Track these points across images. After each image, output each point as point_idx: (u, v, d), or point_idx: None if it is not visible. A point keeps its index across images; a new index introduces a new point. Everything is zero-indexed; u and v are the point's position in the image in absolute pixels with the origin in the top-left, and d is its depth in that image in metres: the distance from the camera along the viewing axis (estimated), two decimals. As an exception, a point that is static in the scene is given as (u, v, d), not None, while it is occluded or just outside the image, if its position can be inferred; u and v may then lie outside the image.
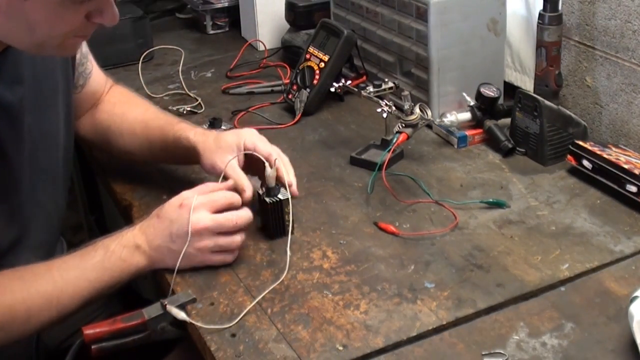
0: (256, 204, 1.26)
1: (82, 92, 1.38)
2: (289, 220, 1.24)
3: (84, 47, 1.36)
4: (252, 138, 1.27)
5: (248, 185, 1.23)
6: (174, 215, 1.16)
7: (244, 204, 1.20)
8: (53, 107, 1.23)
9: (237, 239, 1.18)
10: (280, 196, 1.23)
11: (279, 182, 1.24)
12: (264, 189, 1.24)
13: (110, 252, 1.14)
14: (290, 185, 1.24)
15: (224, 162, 1.24)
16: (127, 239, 1.16)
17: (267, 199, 1.23)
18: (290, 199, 1.23)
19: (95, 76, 1.41)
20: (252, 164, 1.27)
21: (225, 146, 1.27)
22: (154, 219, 1.18)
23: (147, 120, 1.39)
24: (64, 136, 1.27)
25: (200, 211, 1.15)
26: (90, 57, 1.40)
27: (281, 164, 1.24)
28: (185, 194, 1.18)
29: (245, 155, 1.27)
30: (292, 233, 1.24)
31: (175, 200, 1.18)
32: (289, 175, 1.25)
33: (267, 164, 1.22)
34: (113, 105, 1.43)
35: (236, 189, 1.21)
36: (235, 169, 1.24)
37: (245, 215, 1.18)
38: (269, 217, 1.24)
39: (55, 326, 1.16)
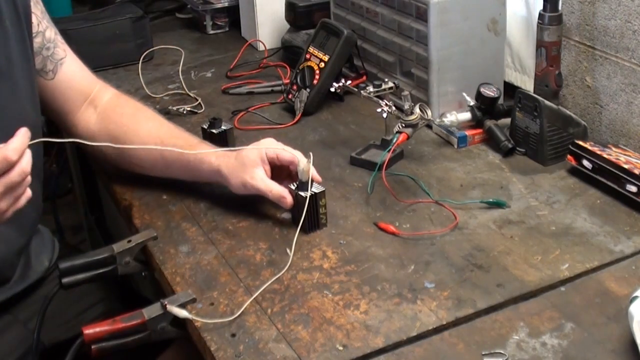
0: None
1: (57, 80, 1.36)
2: (324, 213, 1.26)
3: (49, 33, 1.35)
4: (272, 146, 1.29)
5: (285, 191, 1.26)
6: None
7: (288, 207, 1.27)
8: (7, 80, 1.22)
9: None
10: (315, 189, 1.24)
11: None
12: (296, 184, 1.26)
13: None
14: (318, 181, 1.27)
15: (253, 179, 1.26)
16: None
17: (302, 193, 1.24)
18: (325, 192, 1.26)
19: (75, 69, 1.41)
20: (279, 173, 1.30)
21: (249, 163, 1.27)
22: None
23: (163, 138, 1.35)
24: (30, 115, 1.26)
25: None
26: (66, 47, 1.39)
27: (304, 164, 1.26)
28: None
29: (271, 165, 1.28)
30: (325, 225, 1.27)
31: None
32: (315, 174, 1.28)
33: (299, 158, 1.25)
34: (121, 116, 1.40)
35: (277, 200, 1.26)
36: (266, 181, 1.26)
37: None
38: (304, 211, 1.24)
39: None
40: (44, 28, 1.34)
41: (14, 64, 1.24)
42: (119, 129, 1.38)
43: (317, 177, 1.28)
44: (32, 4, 1.30)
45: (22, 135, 1.04)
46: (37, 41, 1.32)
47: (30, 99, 1.29)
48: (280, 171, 1.30)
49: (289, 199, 1.26)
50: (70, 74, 1.40)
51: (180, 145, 1.32)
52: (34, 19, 1.30)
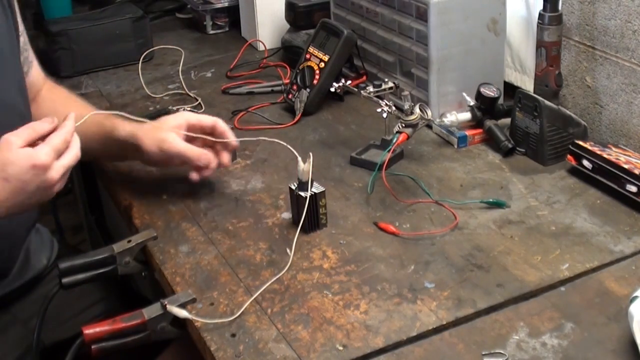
0: (290, 199, 1.29)
1: (27, 82, 1.38)
2: (324, 213, 1.26)
3: (24, 36, 1.38)
4: (192, 115, 1.34)
5: (204, 150, 1.31)
6: (27, 177, 1.12)
7: (208, 166, 1.32)
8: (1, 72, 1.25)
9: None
10: (314, 190, 1.24)
11: (228, 147, 1.33)
12: (296, 183, 1.26)
13: None
14: (234, 145, 1.33)
15: (171, 141, 1.30)
16: None
17: (302, 193, 1.24)
18: (325, 192, 1.26)
19: (37, 70, 1.44)
20: (194, 143, 1.33)
21: (166, 127, 1.31)
22: None
23: (80, 111, 1.37)
24: (19, 105, 1.29)
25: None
26: (31, 50, 1.42)
27: (226, 129, 1.33)
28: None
29: (187, 135, 1.32)
30: (325, 226, 1.27)
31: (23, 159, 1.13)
32: (230, 136, 1.33)
33: (299, 159, 1.24)
34: (53, 102, 1.43)
35: (198, 158, 1.30)
36: (184, 143, 1.31)
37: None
38: (304, 211, 1.24)
39: None
40: (22, 29, 1.37)
41: (4, 56, 1.25)
42: (47, 113, 1.36)
43: (234, 143, 1.33)
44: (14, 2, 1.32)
45: (71, 119, 1.17)
46: (21, 40, 1.35)
47: (19, 91, 1.31)
48: (199, 143, 1.34)
49: (209, 155, 1.30)
50: (35, 75, 1.43)
51: (99, 120, 1.36)
52: (18, 18, 1.33)
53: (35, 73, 1.44)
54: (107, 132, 1.36)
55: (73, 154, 1.17)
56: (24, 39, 1.38)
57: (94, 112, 1.33)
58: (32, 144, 1.13)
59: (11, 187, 1.11)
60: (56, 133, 1.15)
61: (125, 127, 1.34)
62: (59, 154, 1.15)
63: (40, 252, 1.43)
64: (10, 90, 1.28)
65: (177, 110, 1.70)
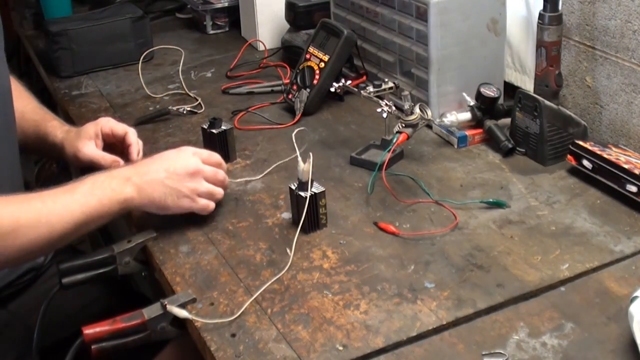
0: (290, 199, 1.29)
1: None
2: (324, 213, 1.26)
3: None
4: (107, 123, 1.42)
5: (117, 157, 1.39)
6: (172, 155, 1.27)
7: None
8: None
9: (221, 191, 1.30)
10: (314, 190, 1.24)
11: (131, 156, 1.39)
12: (296, 183, 1.26)
13: (100, 182, 1.21)
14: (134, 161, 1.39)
15: (85, 150, 1.39)
16: (118, 172, 1.24)
17: (302, 193, 1.24)
18: (325, 192, 1.26)
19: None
20: (113, 148, 1.42)
21: (84, 135, 1.40)
22: (148, 159, 1.27)
23: (25, 113, 1.46)
24: (6, 85, 1.35)
25: (197, 157, 1.27)
26: None
27: (136, 139, 1.41)
28: (185, 147, 1.31)
29: (105, 142, 1.42)
30: (325, 226, 1.28)
31: (174, 149, 1.30)
32: (134, 153, 1.41)
33: (299, 159, 1.25)
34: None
35: (111, 164, 1.38)
36: (98, 151, 1.40)
37: (226, 178, 1.32)
38: (304, 211, 1.24)
39: (46, 252, 1.30)
40: None
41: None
42: None
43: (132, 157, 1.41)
44: None
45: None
46: None
47: (6, 74, 1.35)
48: (117, 148, 1.43)
49: (121, 162, 1.38)
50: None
51: (38, 119, 1.46)
52: None
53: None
54: (42, 137, 1.44)
55: (219, 195, 1.30)
56: None
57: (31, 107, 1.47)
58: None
59: (155, 161, 1.25)
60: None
61: (57, 134, 1.43)
62: (217, 183, 1.29)
63: None
64: (2, 75, 1.32)
65: (177, 110, 1.71)
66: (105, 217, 1.21)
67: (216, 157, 1.32)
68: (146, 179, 1.22)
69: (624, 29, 1.44)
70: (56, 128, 1.44)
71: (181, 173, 1.24)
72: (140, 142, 1.44)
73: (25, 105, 1.49)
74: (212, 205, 1.28)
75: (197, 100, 1.77)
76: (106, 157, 1.39)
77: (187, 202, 1.25)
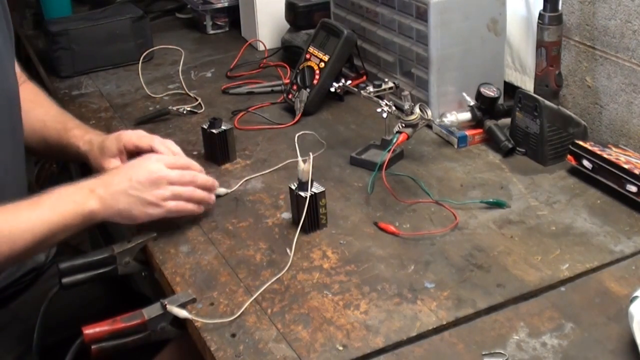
0: (290, 199, 1.29)
1: None
2: (324, 213, 1.26)
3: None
4: (130, 139, 1.36)
5: None
6: (136, 164, 1.25)
7: None
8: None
9: (193, 190, 1.26)
10: (314, 190, 1.24)
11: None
12: (296, 183, 1.26)
13: (64, 195, 1.19)
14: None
15: (111, 167, 1.34)
16: (83, 184, 1.22)
17: (302, 193, 1.24)
18: (325, 192, 1.26)
19: (18, 69, 1.46)
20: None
21: (108, 153, 1.36)
22: (115, 169, 1.27)
23: (46, 121, 1.45)
24: (15, 92, 1.34)
25: (159, 163, 1.25)
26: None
27: (163, 146, 1.35)
28: (149, 154, 1.30)
29: (130, 155, 1.35)
30: (325, 226, 1.27)
31: (140, 157, 1.28)
32: (173, 150, 1.36)
33: (300, 159, 1.24)
34: (22, 101, 1.44)
35: None
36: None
37: (203, 176, 1.29)
38: (304, 211, 1.24)
39: (9, 266, 1.27)
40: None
41: (6, 47, 1.30)
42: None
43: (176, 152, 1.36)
44: None
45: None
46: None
47: (14, 77, 1.35)
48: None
49: None
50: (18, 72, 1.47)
51: (60, 128, 1.43)
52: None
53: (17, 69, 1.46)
54: (65, 146, 1.43)
55: (196, 194, 1.27)
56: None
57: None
58: None
59: (119, 171, 1.24)
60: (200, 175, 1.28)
61: (80, 145, 1.41)
62: (186, 184, 1.25)
63: None
64: (9, 78, 1.32)
65: (177, 110, 1.71)
66: (69, 230, 1.19)
67: (183, 160, 1.31)
68: (110, 191, 1.20)
69: (624, 29, 1.44)
70: (78, 139, 1.41)
71: (144, 181, 1.22)
72: (171, 144, 1.38)
73: (47, 113, 1.48)
74: (188, 206, 1.26)
75: (197, 100, 1.77)
76: None
77: (154, 210, 1.23)
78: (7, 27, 1.33)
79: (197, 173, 1.28)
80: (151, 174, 1.22)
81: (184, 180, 1.25)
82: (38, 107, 1.48)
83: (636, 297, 0.99)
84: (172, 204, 1.24)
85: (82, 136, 1.41)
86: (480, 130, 1.53)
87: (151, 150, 1.34)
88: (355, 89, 1.52)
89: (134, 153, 1.35)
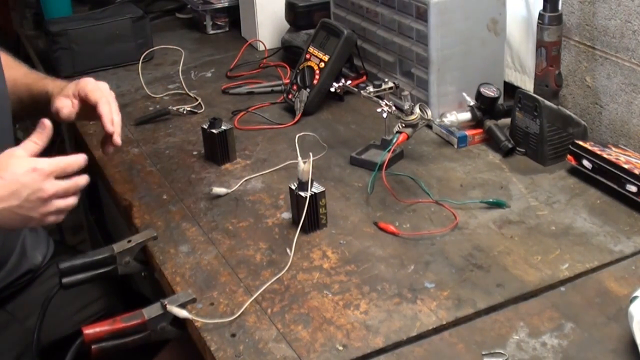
0: (290, 199, 1.29)
1: None
2: (324, 213, 1.26)
3: None
4: (85, 87, 1.34)
5: (64, 105, 1.33)
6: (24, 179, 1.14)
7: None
8: None
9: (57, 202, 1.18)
10: (314, 190, 1.24)
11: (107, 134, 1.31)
12: (296, 183, 1.26)
13: None
14: (111, 134, 1.30)
15: (57, 103, 1.34)
16: None
17: (302, 193, 1.24)
18: (325, 192, 1.26)
19: None
20: (89, 110, 1.35)
21: (64, 92, 1.36)
22: None
23: (16, 79, 1.44)
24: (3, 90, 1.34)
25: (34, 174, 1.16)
26: None
27: (107, 109, 1.31)
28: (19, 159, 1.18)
29: (83, 102, 1.34)
30: (325, 226, 1.27)
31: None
32: (112, 118, 1.31)
33: (300, 159, 1.24)
34: None
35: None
36: (63, 104, 1.34)
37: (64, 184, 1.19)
38: (304, 211, 1.24)
39: None
40: None
41: None
42: None
43: (111, 127, 1.31)
44: None
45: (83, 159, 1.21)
46: None
47: (2, 81, 1.35)
48: (93, 113, 1.35)
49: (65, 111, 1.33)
50: None
51: (30, 82, 1.43)
52: None
53: None
54: (36, 97, 1.42)
55: (73, 185, 1.18)
56: None
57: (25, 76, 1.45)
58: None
59: (6, 184, 1.12)
60: (63, 157, 1.18)
61: (49, 89, 1.40)
62: (60, 175, 1.17)
63: (35, 249, 1.43)
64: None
65: (177, 110, 1.71)
66: None
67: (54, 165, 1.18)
68: None
69: (624, 29, 1.44)
70: (48, 84, 1.42)
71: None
72: (116, 111, 1.33)
73: (17, 72, 1.48)
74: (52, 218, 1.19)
75: (197, 100, 1.77)
76: (62, 113, 1.34)
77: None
78: None
79: (58, 185, 1.17)
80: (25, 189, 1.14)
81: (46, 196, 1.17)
82: (8, 69, 1.45)
83: (636, 297, 0.99)
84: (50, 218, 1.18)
85: (52, 82, 1.43)
86: (480, 130, 1.53)
87: (95, 107, 1.33)
88: (355, 89, 1.52)
89: (84, 101, 1.34)
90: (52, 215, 1.17)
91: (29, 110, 1.46)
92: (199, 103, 1.76)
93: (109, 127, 1.30)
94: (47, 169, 1.14)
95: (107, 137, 1.31)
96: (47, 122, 1.19)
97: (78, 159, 1.20)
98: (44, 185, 1.14)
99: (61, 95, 1.36)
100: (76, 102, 1.35)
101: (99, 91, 1.34)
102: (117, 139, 1.31)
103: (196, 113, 1.72)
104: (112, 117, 1.31)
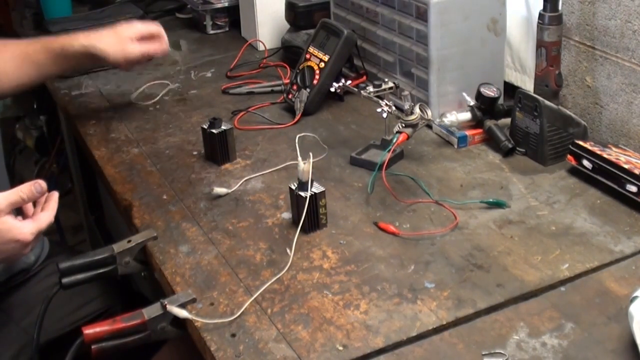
0: (290, 199, 1.29)
1: None
2: (324, 213, 1.26)
3: None
4: (140, 25, 1.56)
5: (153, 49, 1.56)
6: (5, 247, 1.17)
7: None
8: None
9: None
10: (314, 190, 1.24)
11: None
12: (296, 183, 1.26)
13: None
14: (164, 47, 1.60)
15: (133, 50, 1.52)
16: None
17: (302, 193, 1.24)
18: (325, 192, 1.26)
19: None
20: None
21: (125, 39, 1.51)
22: None
23: (23, 48, 1.48)
24: None
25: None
26: None
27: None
28: None
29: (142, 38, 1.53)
30: (325, 226, 1.27)
31: None
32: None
33: (300, 159, 1.25)
34: None
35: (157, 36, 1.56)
36: (141, 50, 1.55)
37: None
38: (304, 211, 1.24)
39: None
40: None
41: None
42: None
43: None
44: None
45: (55, 199, 1.24)
46: None
47: None
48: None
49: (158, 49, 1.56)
50: None
51: (42, 45, 1.49)
52: None
53: None
54: (58, 52, 1.47)
55: (48, 222, 1.21)
56: None
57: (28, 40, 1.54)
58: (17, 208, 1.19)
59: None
60: (45, 214, 1.20)
61: (80, 40, 1.48)
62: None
63: None
64: None
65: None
66: None
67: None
68: None
69: (624, 29, 1.44)
70: (72, 39, 1.48)
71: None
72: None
73: (17, 45, 1.51)
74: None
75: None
76: (149, 51, 1.56)
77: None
78: None
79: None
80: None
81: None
82: (6, 46, 1.49)
83: (636, 297, 0.99)
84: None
85: (76, 36, 1.50)
86: (480, 130, 1.53)
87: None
88: (355, 89, 1.52)
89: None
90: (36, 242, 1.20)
91: (53, 71, 1.53)
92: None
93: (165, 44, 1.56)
94: (29, 239, 1.16)
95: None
96: (43, 185, 1.20)
97: (53, 206, 1.22)
98: (25, 250, 1.18)
99: (121, 42, 1.49)
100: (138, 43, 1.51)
101: (150, 25, 1.57)
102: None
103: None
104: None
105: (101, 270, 1.22)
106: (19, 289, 1.41)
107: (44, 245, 1.48)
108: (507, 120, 1.51)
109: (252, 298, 1.12)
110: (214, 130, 1.48)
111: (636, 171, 1.28)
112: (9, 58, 1.49)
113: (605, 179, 1.33)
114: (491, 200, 1.33)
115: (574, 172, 1.41)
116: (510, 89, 1.64)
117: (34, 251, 1.44)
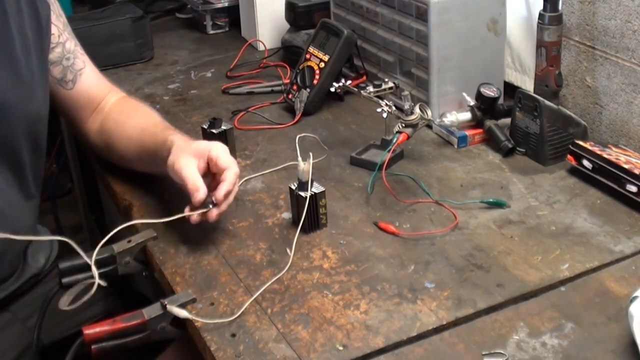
0: (290, 199, 1.29)
1: (75, 90, 1.41)
2: (324, 213, 1.26)
3: (70, 44, 1.40)
4: (217, 149, 1.24)
5: (202, 187, 1.20)
6: None
7: (195, 204, 1.20)
8: (27, 85, 1.26)
9: None
10: (314, 190, 1.25)
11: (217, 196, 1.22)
12: (296, 183, 1.26)
13: None
14: (217, 201, 1.21)
15: (183, 165, 1.22)
16: None
17: (302, 193, 1.24)
18: (325, 192, 1.26)
19: (92, 79, 1.45)
20: (212, 179, 1.26)
21: (192, 150, 1.25)
22: None
23: (145, 128, 1.38)
24: (43, 118, 1.32)
25: None
26: (85, 58, 1.44)
27: (233, 179, 1.22)
28: None
29: (210, 168, 1.25)
30: (325, 226, 1.27)
31: None
32: (221, 190, 1.21)
33: (299, 159, 1.24)
34: (119, 113, 1.44)
35: (191, 192, 1.20)
36: (192, 172, 1.22)
37: None
38: (304, 211, 1.24)
39: None
40: (64, 39, 1.39)
41: (33, 72, 1.27)
42: (114, 124, 1.43)
43: (220, 195, 1.22)
44: (54, 17, 1.35)
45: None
46: (57, 51, 1.37)
47: (44, 103, 1.33)
48: (215, 181, 1.26)
49: (199, 196, 1.20)
50: (88, 83, 1.44)
51: (157, 131, 1.35)
52: (54, 30, 1.35)
53: (94, 84, 1.45)
54: (159, 145, 1.31)
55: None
56: (68, 46, 1.39)
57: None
58: None
59: None
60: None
61: (174, 140, 1.29)
62: None
63: (39, 252, 1.43)
64: (37, 103, 1.29)
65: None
66: None
67: None
68: None
69: (624, 29, 1.44)
70: (174, 135, 1.30)
71: None
72: (237, 187, 1.26)
73: (147, 120, 1.41)
74: None
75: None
76: (193, 182, 1.20)
77: None
78: (41, 50, 1.30)
79: None
80: None
81: None
82: (138, 116, 1.42)
83: (636, 297, 0.99)
84: None
85: (177, 134, 1.31)
86: (480, 130, 1.53)
87: (223, 172, 1.23)
88: (355, 89, 1.52)
89: (213, 169, 1.25)
90: None
91: (147, 161, 1.37)
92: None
93: (220, 195, 1.21)
94: None
95: (203, 204, 1.21)
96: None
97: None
98: None
99: (184, 152, 1.24)
100: (203, 164, 1.24)
101: (232, 160, 1.25)
102: (214, 215, 1.22)
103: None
104: (230, 188, 1.22)
105: (101, 270, 1.21)
106: (28, 291, 1.41)
107: (52, 247, 1.48)
108: (507, 120, 1.51)
109: (252, 298, 1.12)
110: (214, 130, 1.48)
111: (636, 171, 1.28)
112: (132, 126, 1.40)
113: (605, 179, 1.33)
114: (491, 200, 1.33)
115: (574, 172, 1.41)
116: (510, 89, 1.64)
117: (44, 254, 1.45)
